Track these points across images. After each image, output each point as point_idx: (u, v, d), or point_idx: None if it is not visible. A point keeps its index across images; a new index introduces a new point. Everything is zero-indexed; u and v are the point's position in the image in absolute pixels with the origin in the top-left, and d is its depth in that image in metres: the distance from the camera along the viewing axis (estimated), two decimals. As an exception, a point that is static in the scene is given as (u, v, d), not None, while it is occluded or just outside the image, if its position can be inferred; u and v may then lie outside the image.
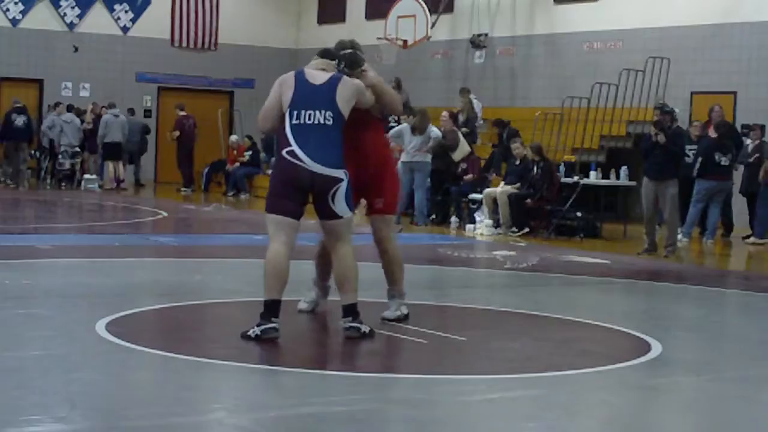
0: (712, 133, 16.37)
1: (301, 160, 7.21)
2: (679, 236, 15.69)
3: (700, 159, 16.02)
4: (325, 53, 7.85)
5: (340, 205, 7.29)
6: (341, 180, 7.27)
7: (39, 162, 24.86)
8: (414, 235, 15.82)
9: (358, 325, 7.32)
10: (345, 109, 7.41)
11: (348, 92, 7.44)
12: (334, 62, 7.75)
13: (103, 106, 25.09)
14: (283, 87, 7.45)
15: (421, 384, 6.13)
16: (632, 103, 19.90)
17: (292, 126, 7.29)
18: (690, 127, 17.18)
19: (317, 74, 7.53)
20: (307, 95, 7.37)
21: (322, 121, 7.30)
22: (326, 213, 7.33)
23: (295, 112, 7.31)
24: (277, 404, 5.52)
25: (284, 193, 7.28)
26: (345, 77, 7.55)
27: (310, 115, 7.31)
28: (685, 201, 16.51)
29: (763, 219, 16.24)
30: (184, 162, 24.66)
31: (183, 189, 24.22)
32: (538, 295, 10.22)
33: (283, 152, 7.27)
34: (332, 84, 7.43)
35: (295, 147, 7.22)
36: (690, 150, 16.21)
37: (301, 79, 7.46)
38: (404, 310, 8.11)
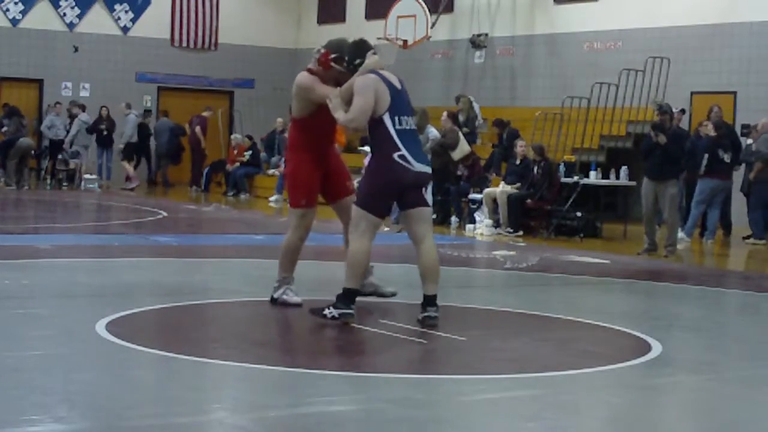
0: (710, 131, 16.35)
1: (410, 163, 7.73)
2: (681, 235, 15.70)
3: (705, 158, 16.01)
4: (367, 46, 8.15)
5: (428, 195, 7.89)
6: (431, 175, 7.96)
7: (39, 162, 24.87)
8: (414, 235, 15.80)
9: (437, 314, 7.83)
10: None
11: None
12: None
13: (103, 106, 25.13)
14: (379, 91, 7.82)
15: (421, 384, 6.13)
16: (632, 103, 19.90)
17: (397, 131, 7.77)
18: (700, 127, 17.14)
19: (393, 78, 7.99)
20: (401, 102, 7.91)
21: (413, 126, 7.93)
22: (421, 201, 7.83)
23: (395, 117, 7.79)
24: (277, 404, 5.52)
25: (385, 195, 7.84)
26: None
27: (406, 121, 7.88)
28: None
29: (756, 219, 16.24)
30: (200, 162, 24.85)
31: (195, 188, 24.40)
32: (538, 295, 10.22)
33: (394, 156, 7.70)
34: (405, 88, 8.03)
35: (405, 152, 7.72)
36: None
37: (390, 85, 7.88)
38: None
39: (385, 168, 7.74)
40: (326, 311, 7.69)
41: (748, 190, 16.72)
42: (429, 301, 7.87)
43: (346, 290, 7.71)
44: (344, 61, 8.20)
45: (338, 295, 7.73)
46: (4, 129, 23.25)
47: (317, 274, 10.20)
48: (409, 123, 7.87)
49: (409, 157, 7.71)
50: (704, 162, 15.99)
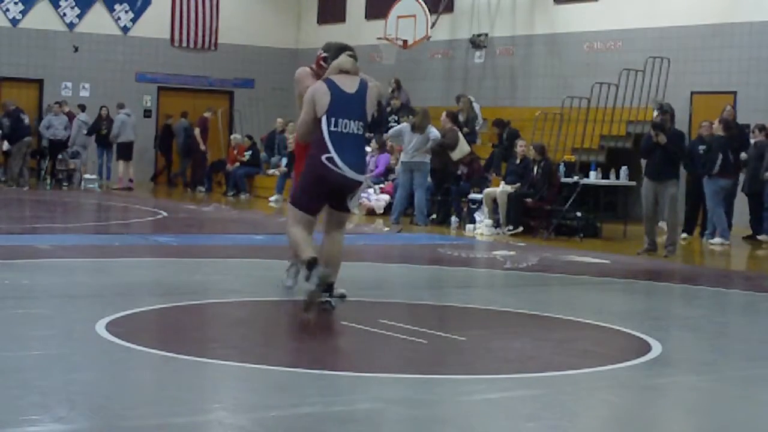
0: (719, 131, 16.34)
1: (337, 166, 7.89)
2: (720, 240, 15.72)
3: (720, 157, 16.01)
4: (349, 48, 8.32)
5: (354, 201, 8.12)
6: (360, 184, 8.16)
7: (39, 162, 24.88)
8: (414, 235, 15.83)
9: (332, 300, 8.07)
10: (370, 115, 8.19)
11: (373, 96, 8.18)
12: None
13: (103, 106, 25.14)
14: (317, 96, 7.99)
15: (421, 384, 6.13)
16: (632, 103, 19.90)
17: (329, 133, 7.93)
18: (699, 129, 17.14)
19: (345, 79, 8.07)
20: (342, 106, 7.98)
21: (354, 131, 8.00)
22: (341, 205, 8.13)
23: (331, 120, 7.93)
24: (277, 404, 5.51)
25: (313, 194, 8.07)
26: (369, 83, 8.14)
27: (345, 124, 7.97)
28: (695, 201, 16.54)
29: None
30: (203, 162, 24.86)
31: (199, 188, 24.41)
32: (538, 295, 10.22)
33: (322, 158, 7.90)
34: (362, 91, 8.08)
35: (334, 154, 7.88)
36: (703, 149, 16.24)
37: (333, 89, 8.00)
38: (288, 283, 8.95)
39: (313, 168, 7.98)
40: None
41: (751, 188, 16.70)
42: (330, 286, 8.04)
43: (305, 262, 7.87)
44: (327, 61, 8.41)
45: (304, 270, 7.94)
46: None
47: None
48: (350, 127, 7.96)
49: (338, 160, 7.88)
50: (719, 161, 16.00)
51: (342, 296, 8.21)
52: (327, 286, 7.94)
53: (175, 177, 26.33)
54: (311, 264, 7.80)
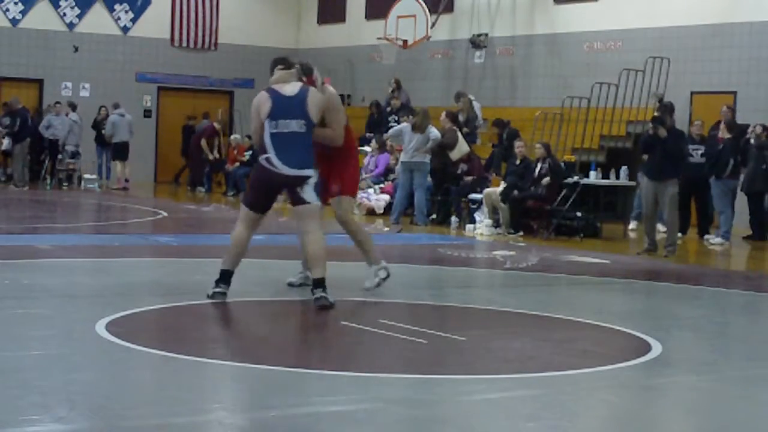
0: (724, 133, 16.34)
1: (274, 166, 8.44)
2: (720, 240, 15.74)
3: (731, 160, 16.04)
4: (282, 61, 8.93)
5: (308, 193, 8.47)
6: (309, 177, 8.49)
7: (42, 162, 24.86)
8: (414, 235, 15.82)
9: (326, 295, 8.35)
10: (314, 114, 8.57)
11: (316, 99, 8.61)
12: (294, 70, 8.84)
13: (102, 106, 25.15)
14: (259, 105, 8.61)
15: (421, 384, 6.13)
16: (632, 103, 19.90)
17: (271, 135, 8.47)
18: (690, 127, 17.18)
19: (285, 86, 8.65)
20: (283, 107, 8.53)
21: (296, 129, 8.48)
22: (296, 199, 8.54)
23: (272, 122, 8.47)
24: (277, 404, 5.51)
25: (256, 192, 8.71)
26: (312, 88, 8.69)
27: (286, 124, 8.49)
28: (686, 201, 16.53)
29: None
30: (202, 163, 24.86)
31: (199, 188, 24.39)
32: (538, 295, 10.22)
33: (261, 159, 8.54)
34: (302, 94, 8.57)
35: (272, 155, 8.44)
36: (694, 150, 16.24)
37: (274, 95, 8.59)
38: (382, 274, 9.33)
39: (256, 169, 8.76)
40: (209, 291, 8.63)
41: (751, 189, 16.71)
42: (316, 283, 8.44)
43: (221, 271, 8.63)
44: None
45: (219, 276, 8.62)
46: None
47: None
48: (291, 126, 8.48)
49: (274, 160, 8.43)
50: (731, 164, 16.02)
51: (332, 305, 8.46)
52: (317, 283, 8.39)
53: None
54: (223, 276, 8.63)
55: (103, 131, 24.69)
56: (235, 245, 8.71)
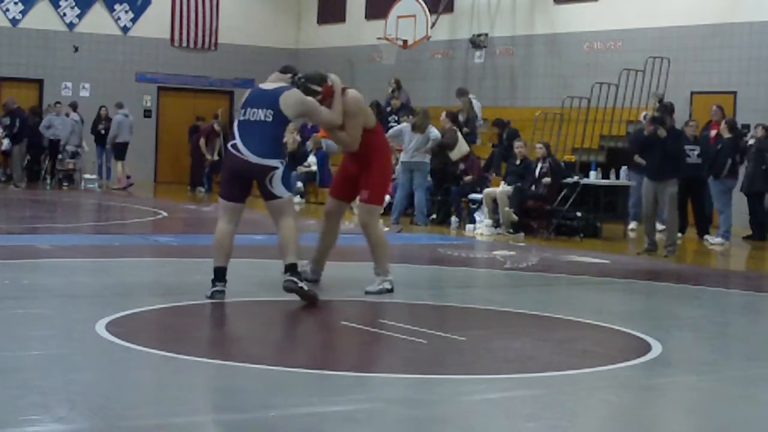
0: (725, 133, 16.34)
1: (240, 152, 8.56)
2: (720, 239, 15.74)
3: (729, 159, 16.05)
4: (284, 69, 9.20)
5: (278, 187, 8.58)
6: (276, 168, 8.53)
7: (39, 162, 24.88)
8: (414, 235, 15.82)
9: (296, 279, 8.47)
10: (288, 111, 8.65)
11: (292, 99, 8.69)
12: (288, 76, 9.04)
13: (102, 106, 25.15)
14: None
15: (421, 384, 6.13)
16: (632, 103, 19.90)
17: (238, 122, 8.68)
18: (686, 127, 17.18)
19: (268, 84, 8.95)
20: (255, 98, 8.78)
21: (262, 118, 8.58)
22: (267, 195, 8.66)
23: (243, 111, 8.70)
24: (277, 404, 5.51)
25: (227, 181, 8.88)
26: (293, 88, 8.82)
27: (254, 113, 8.63)
28: (683, 201, 16.53)
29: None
30: (202, 162, 24.86)
31: (199, 188, 24.38)
32: (538, 295, 10.22)
33: (229, 144, 8.69)
34: (278, 90, 8.74)
35: (238, 141, 8.58)
36: (691, 150, 16.24)
37: (253, 88, 9.08)
38: (387, 286, 9.25)
39: (224, 156, 9.05)
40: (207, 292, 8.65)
41: (750, 189, 16.71)
42: (286, 268, 8.56)
43: (214, 269, 8.77)
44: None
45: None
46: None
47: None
48: (257, 115, 8.61)
49: (240, 146, 8.54)
50: (729, 162, 16.03)
51: (310, 293, 8.63)
52: (288, 268, 8.52)
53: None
54: (216, 273, 8.72)
55: (101, 129, 24.69)
56: (219, 240, 8.82)
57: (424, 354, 7.05)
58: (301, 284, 8.49)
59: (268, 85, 8.92)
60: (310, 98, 8.88)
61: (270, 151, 8.56)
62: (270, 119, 8.57)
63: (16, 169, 23.53)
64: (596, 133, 19.98)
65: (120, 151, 24.48)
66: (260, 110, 8.61)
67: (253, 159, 8.50)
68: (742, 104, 19.07)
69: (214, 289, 8.62)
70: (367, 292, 9.19)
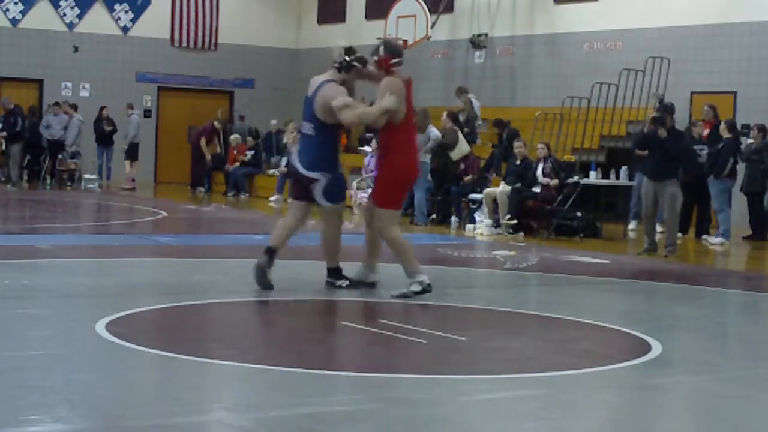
0: (725, 133, 16.34)
1: (293, 162, 9.29)
2: (720, 239, 15.73)
3: (731, 159, 16.06)
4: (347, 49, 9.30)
5: (318, 197, 9.13)
6: (316, 180, 9.08)
7: (39, 162, 24.89)
8: (414, 235, 15.80)
9: (333, 280, 9.35)
10: (322, 116, 9.04)
11: (320, 103, 9.01)
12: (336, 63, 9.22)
13: (103, 106, 25.15)
14: None
15: (421, 384, 6.13)
16: (632, 103, 19.90)
17: (299, 131, 9.43)
18: (693, 128, 17.16)
19: (317, 78, 9.24)
20: (304, 108, 9.20)
21: (308, 131, 9.17)
22: (315, 200, 9.21)
23: (301, 123, 9.39)
24: (277, 404, 5.51)
25: (294, 184, 9.61)
26: (327, 85, 9.06)
27: (303, 125, 9.30)
28: (691, 201, 16.54)
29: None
30: (203, 163, 24.87)
31: (199, 188, 24.38)
32: (538, 295, 10.22)
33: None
34: (314, 94, 9.06)
35: (294, 151, 9.35)
36: (700, 150, 16.24)
37: (309, 85, 9.31)
38: (414, 288, 9.05)
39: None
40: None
41: (750, 189, 16.72)
42: (328, 272, 9.41)
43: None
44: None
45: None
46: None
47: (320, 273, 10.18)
48: (305, 128, 9.22)
49: (294, 156, 9.30)
50: (730, 163, 16.04)
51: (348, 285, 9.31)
52: (329, 272, 9.34)
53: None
54: (267, 250, 9.18)
55: (106, 129, 24.72)
56: (285, 231, 9.28)
57: (424, 354, 7.06)
58: (338, 283, 9.29)
59: (314, 82, 9.18)
60: (338, 98, 8.91)
61: (312, 163, 9.09)
62: (312, 132, 9.11)
63: (13, 169, 23.53)
64: (596, 133, 19.97)
65: (133, 151, 24.60)
66: (306, 123, 9.19)
67: (301, 170, 9.15)
68: (742, 104, 19.06)
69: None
70: (391, 296, 9.07)
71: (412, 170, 9.29)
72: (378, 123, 9.09)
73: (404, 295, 9.02)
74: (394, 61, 9.09)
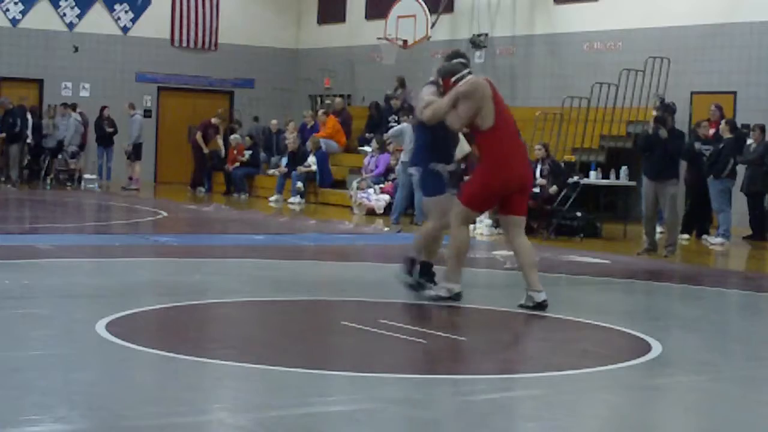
0: (726, 133, 16.34)
1: None
2: (720, 239, 15.73)
3: (731, 160, 16.06)
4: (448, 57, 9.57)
5: (416, 190, 9.81)
6: (413, 174, 9.69)
7: (40, 162, 24.89)
8: (414, 236, 15.79)
9: (424, 282, 9.17)
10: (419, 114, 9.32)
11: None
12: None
13: (104, 107, 25.16)
14: None
15: (421, 384, 6.13)
16: (632, 103, 19.90)
17: None
18: (698, 128, 17.15)
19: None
20: None
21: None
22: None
23: None
24: (277, 404, 5.51)
25: None
26: (425, 86, 9.42)
27: None
28: (694, 201, 16.54)
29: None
30: (203, 163, 24.83)
31: (200, 188, 24.38)
32: (538, 295, 10.19)
33: None
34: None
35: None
36: (706, 149, 16.25)
37: None
38: (442, 293, 8.97)
39: None
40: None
41: (750, 189, 16.72)
42: (422, 267, 9.32)
43: (420, 264, 9.29)
44: None
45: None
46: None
47: (320, 273, 10.19)
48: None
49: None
50: (730, 163, 16.04)
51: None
52: (423, 266, 9.26)
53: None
54: (420, 268, 9.32)
55: (107, 129, 24.73)
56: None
57: (424, 354, 7.06)
58: (410, 280, 9.21)
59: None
60: (425, 96, 9.21)
61: (411, 159, 9.89)
62: (418, 131, 9.64)
63: (13, 169, 23.54)
64: (596, 133, 19.97)
65: (138, 151, 24.62)
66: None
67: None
68: (742, 104, 19.06)
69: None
70: (524, 306, 8.91)
71: (508, 181, 9.20)
72: (453, 125, 9.15)
73: (433, 298, 8.96)
74: (455, 78, 9.12)
